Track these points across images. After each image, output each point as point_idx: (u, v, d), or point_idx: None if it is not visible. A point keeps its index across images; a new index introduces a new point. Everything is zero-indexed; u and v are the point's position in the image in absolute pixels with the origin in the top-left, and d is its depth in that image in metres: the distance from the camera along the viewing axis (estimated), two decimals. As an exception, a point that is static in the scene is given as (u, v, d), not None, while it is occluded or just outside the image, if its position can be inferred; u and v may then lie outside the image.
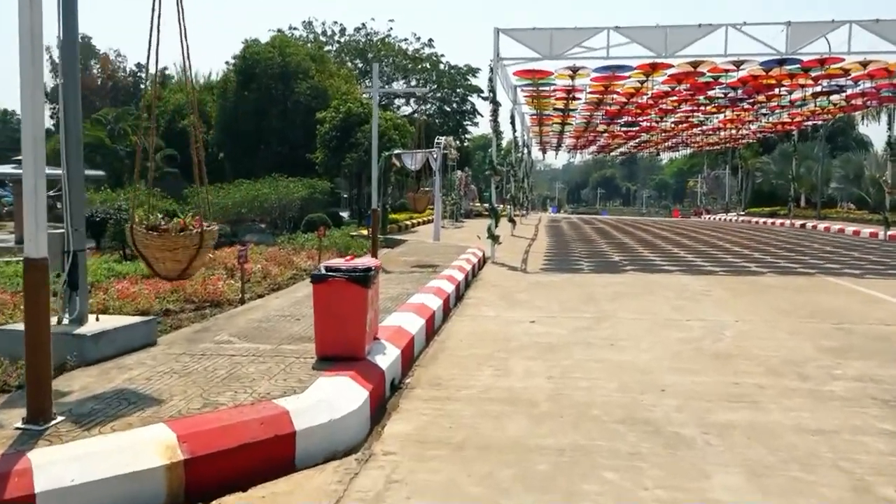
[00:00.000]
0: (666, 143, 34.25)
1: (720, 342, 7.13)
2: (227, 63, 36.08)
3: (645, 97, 18.91)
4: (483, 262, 14.52)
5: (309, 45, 39.02)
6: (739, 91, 17.99)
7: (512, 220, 23.16)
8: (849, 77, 15.78)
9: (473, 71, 46.09)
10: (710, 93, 18.37)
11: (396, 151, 20.20)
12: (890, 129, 21.43)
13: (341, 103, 26.53)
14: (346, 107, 25.58)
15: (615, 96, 18.50)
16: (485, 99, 15.95)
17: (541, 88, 17.63)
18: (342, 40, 45.46)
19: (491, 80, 14.62)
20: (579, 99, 19.35)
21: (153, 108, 6.41)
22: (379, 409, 4.87)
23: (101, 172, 29.95)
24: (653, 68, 14.67)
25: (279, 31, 36.70)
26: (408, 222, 27.57)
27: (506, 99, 22.43)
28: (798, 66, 14.66)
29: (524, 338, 7.29)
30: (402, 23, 77.69)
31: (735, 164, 53.83)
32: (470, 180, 39.74)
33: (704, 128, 27.55)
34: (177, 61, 41.08)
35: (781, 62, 14.24)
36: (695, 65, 14.43)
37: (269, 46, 34.72)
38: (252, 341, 6.19)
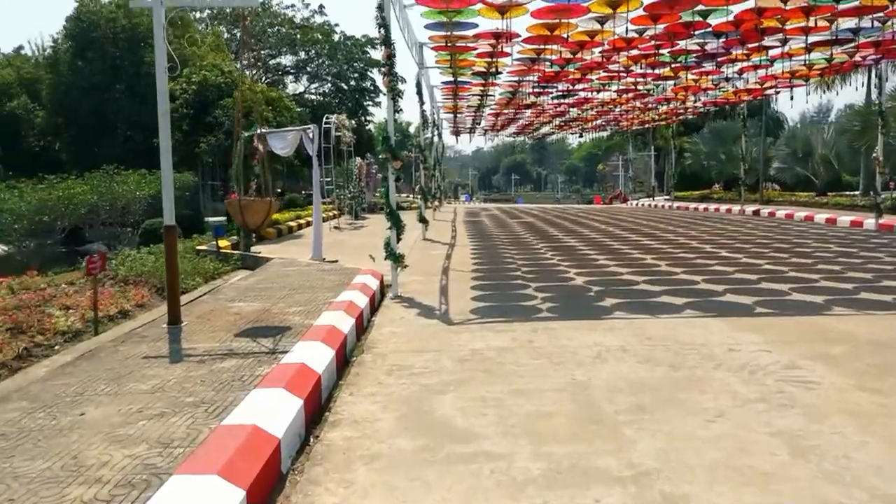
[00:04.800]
0: (596, 122, 29.76)
1: None
2: (64, 28, 28.63)
3: (598, 50, 13.99)
4: (380, 298, 9.15)
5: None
6: (721, 40, 13.38)
7: (423, 220, 17.87)
8: (885, 11, 11.39)
9: (373, 42, 40.13)
10: (683, 44, 13.66)
11: (261, 130, 14.47)
12: (880, 93, 17.54)
13: (195, 71, 20.27)
14: (200, 75, 19.40)
15: (559, 48, 13.42)
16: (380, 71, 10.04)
17: (456, 34, 12.35)
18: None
19: (381, 7, 9.20)
20: (509, 54, 14.18)
21: None
22: None
23: None
24: (628, -8, 9.70)
25: (129, -12, 29.55)
26: (292, 223, 21.71)
27: (411, 60, 17.06)
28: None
29: None
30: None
31: (657, 145, 50.77)
32: (375, 169, 34.13)
33: (648, 100, 23.09)
34: (32, 38, 32.72)
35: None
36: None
37: (112, 5, 27.61)
38: None
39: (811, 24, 11.95)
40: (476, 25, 11.85)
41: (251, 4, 7.29)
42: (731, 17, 11.63)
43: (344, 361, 6.11)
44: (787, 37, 13.22)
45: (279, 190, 36.02)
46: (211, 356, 5.65)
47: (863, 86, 26.98)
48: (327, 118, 21.86)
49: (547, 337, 6.83)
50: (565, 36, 12.22)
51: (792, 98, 22.52)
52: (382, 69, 9.64)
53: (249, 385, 4.81)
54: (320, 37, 40.14)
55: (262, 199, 7.85)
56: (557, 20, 10.99)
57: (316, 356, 5.46)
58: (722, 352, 6.14)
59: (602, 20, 11.42)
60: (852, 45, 13.63)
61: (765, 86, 19.54)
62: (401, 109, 9.73)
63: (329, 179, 24.67)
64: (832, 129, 30.02)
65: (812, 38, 13.12)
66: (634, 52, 14.43)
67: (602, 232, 19.02)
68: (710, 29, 12.49)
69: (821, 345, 6.31)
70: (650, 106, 25.15)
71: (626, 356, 6.06)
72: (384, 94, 9.95)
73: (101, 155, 26.07)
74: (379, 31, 9.47)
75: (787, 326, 7.10)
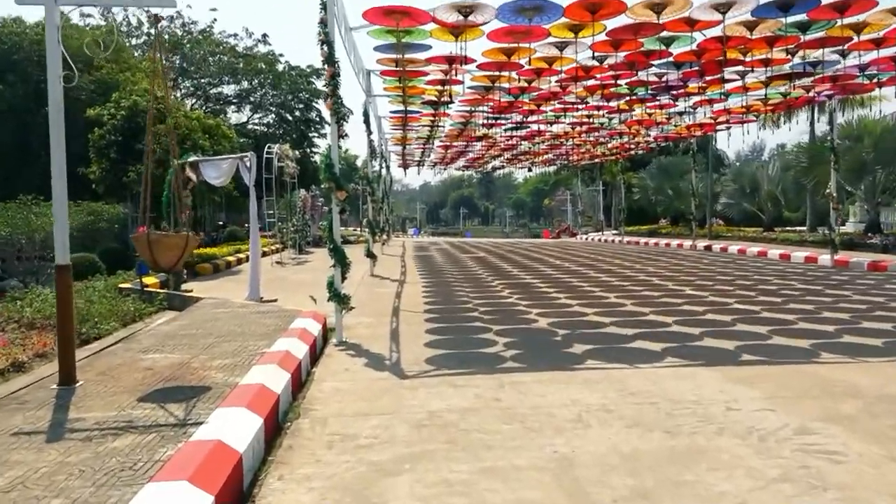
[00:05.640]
0: (546, 156, 29.42)
1: None
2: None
3: (554, 79, 13.43)
4: (322, 345, 8.07)
5: (97, 32, 30.33)
6: (680, 71, 12.98)
7: (371, 255, 16.84)
8: (847, 46, 11.13)
9: (318, 72, 39.21)
10: (641, 74, 13.20)
11: (192, 158, 13.37)
12: (832, 129, 17.54)
13: (124, 96, 18.91)
14: (130, 100, 18.07)
15: (514, 76, 12.75)
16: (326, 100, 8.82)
17: (407, 57, 11.52)
18: (152, 31, 36.97)
19: (323, 22, 8.31)
20: (461, 82, 13.45)
21: None
22: None
23: None
24: (592, 13, 9.03)
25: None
26: (231, 258, 20.36)
27: (357, 89, 16.17)
28: (804, 17, 9.70)
29: None
30: (229, 16, 67.52)
31: (604, 179, 51.15)
32: (320, 202, 32.92)
33: (599, 134, 22.78)
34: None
35: (786, 6, 9.17)
36: (658, 7, 9.01)
37: (39, 28, 25.97)
38: None
39: (773, 55, 11.61)
40: (429, 47, 11.07)
41: (166, 6, 6.30)
42: (694, 46, 11.18)
43: (275, 428, 5.03)
44: (746, 69, 12.91)
45: (221, 223, 34.35)
46: (102, 430, 4.47)
47: (789, 124, 27.46)
48: (269, 147, 20.76)
49: (516, 393, 5.89)
50: (523, 62, 11.55)
51: (747, 133, 22.62)
52: (326, 89, 8.70)
53: (143, 475, 3.68)
54: (264, 66, 39.00)
55: (177, 233, 6.68)
56: (516, 44, 10.28)
57: (237, 429, 4.36)
58: (720, 411, 5.31)
59: (561, 46, 10.79)
60: (810, 79, 13.43)
61: (718, 120, 19.42)
62: (346, 135, 8.78)
63: (272, 212, 23.44)
64: (777, 166, 30.47)
65: (772, 72, 12.85)
66: (591, 82, 13.90)
67: (557, 268, 18.34)
68: (671, 59, 12.04)
69: (827, 401, 5.55)
70: (602, 140, 24.89)
71: (611, 418, 5.17)
72: (328, 123, 8.99)
73: (20, 183, 24.11)
74: (322, 49, 8.55)
75: (782, 377, 6.34)
